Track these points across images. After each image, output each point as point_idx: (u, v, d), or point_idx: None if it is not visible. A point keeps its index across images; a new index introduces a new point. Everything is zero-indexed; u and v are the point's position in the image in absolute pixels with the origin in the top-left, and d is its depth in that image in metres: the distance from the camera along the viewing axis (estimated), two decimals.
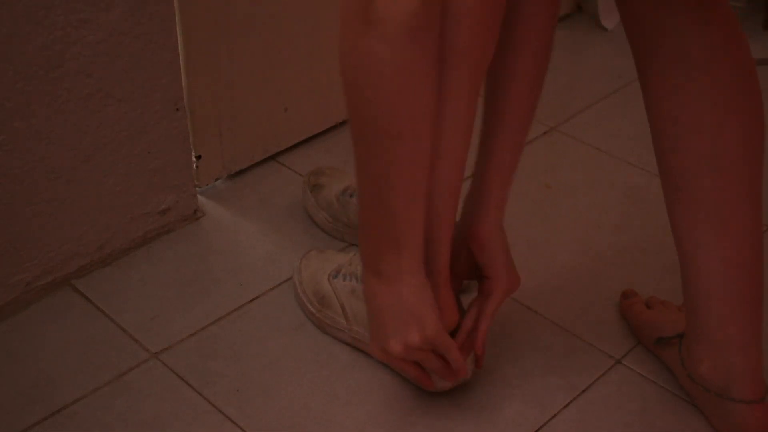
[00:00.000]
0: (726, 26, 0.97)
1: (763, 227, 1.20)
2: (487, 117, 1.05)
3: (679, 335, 1.13)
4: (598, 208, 1.46)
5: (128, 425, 1.11)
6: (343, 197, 1.34)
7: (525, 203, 1.46)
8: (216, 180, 1.48)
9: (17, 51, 1.13)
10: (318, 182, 1.39)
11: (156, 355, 1.20)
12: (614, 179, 1.52)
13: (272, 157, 1.54)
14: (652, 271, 1.33)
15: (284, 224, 1.41)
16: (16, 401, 1.13)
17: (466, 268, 1.10)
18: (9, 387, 1.15)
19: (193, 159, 1.41)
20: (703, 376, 1.07)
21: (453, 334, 1.08)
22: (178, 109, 1.32)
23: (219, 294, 1.29)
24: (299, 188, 1.47)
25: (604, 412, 1.13)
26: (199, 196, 1.44)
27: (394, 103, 0.90)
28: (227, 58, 1.39)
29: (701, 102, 0.98)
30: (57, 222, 1.25)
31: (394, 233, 0.97)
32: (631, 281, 1.31)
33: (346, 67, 0.91)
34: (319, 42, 1.50)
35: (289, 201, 1.46)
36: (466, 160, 1.01)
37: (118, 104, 1.25)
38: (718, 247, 1.02)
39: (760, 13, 1.94)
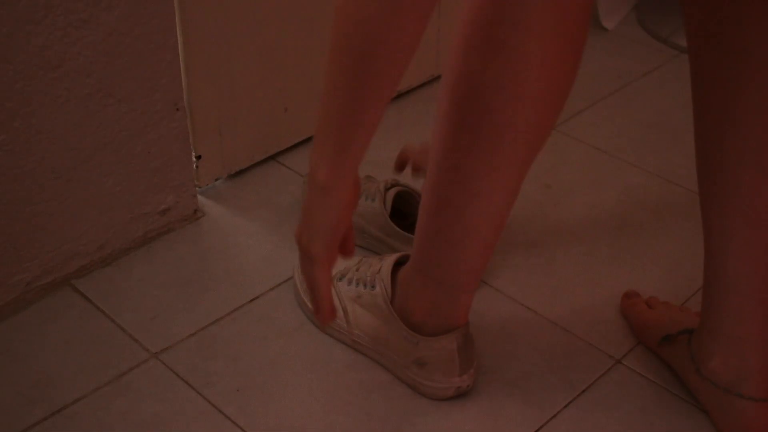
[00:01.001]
0: None
1: None
2: None
3: (687, 331, 1.12)
4: (598, 208, 1.46)
5: (128, 425, 1.11)
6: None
7: (525, 203, 1.46)
8: (216, 180, 1.48)
9: (17, 51, 1.13)
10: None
11: (156, 355, 1.20)
12: (614, 179, 1.52)
13: (272, 157, 1.54)
14: (652, 272, 1.33)
15: (284, 224, 1.41)
16: (16, 401, 1.13)
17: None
18: (9, 387, 1.15)
19: (193, 159, 1.41)
20: (714, 371, 1.07)
21: None
22: (178, 109, 1.32)
23: (219, 294, 1.29)
24: (299, 188, 1.47)
25: (604, 412, 1.13)
26: (199, 196, 1.44)
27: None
28: (227, 58, 1.39)
29: (756, 98, 0.96)
30: (57, 222, 1.25)
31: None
32: (631, 281, 1.31)
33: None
34: (319, 42, 1.50)
35: (289, 201, 1.46)
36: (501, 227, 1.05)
37: (118, 104, 1.25)
38: (749, 244, 1.01)
39: None
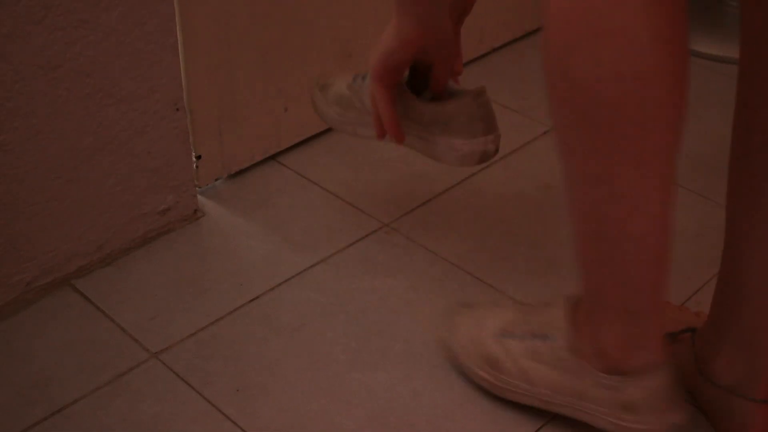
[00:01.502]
0: None
1: None
2: None
3: (689, 330, 1.11)
4: None
5: (128, 425, 1.11)
6: (354, 83, 1.26)
7: (525, 203, 1.46)
8: (216, 180, 1.48)
9: (17, 51, 1.13)
10: (326, 82, 1.33)
11: (156, 355, 1.20)
12: None
13: (272, 157, 1.54)
14: None
15: (284, 224, 1.41)
16: (16, 401, 1.13)
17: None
18: (9, 387, 1.15)
19: (193, 159, 1.41)
20: (717, 371, 1.06)
21: None
22: (178, 109, 1.32)
23: (219, 294, 1.29)
24: (299, 188, 1.48)
25: None
26: (199, 196, 1.44)
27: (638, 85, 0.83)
28: (228, 58, 1.39)
29: None
30: (57, 222, 1.25)
31: None
32: None
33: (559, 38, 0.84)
34: (320, 42, 1.51)
35: (289, 201, 1.46)
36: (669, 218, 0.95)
37: (118, 104, 1.25)
38: None
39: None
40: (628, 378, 1.00)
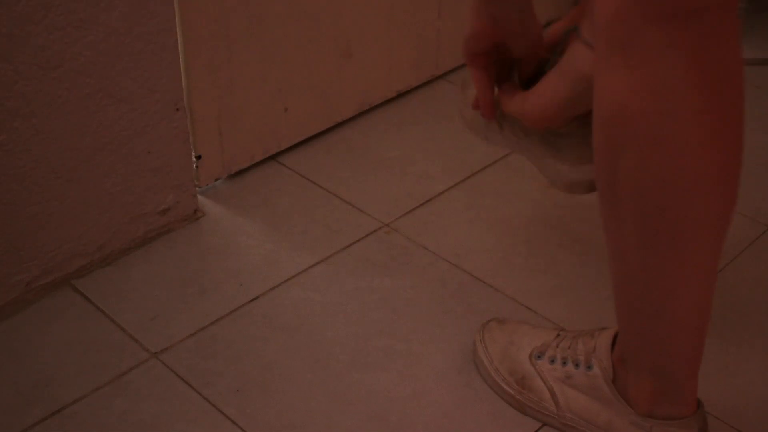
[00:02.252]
0: None
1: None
2: None
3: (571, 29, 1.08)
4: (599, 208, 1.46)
5: (128, 425, 1.11)
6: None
7: (525, 203, 1.46)
8: (216, 180, 1.48)
9: (17, 51, 1.13)
10: (468, 79, 1.24)
11: (156, 355, 1.20)
12: None
13: (272, 157, 1.54)
14: None
15: (284, 224, 1.41)
16: (16, 401, 1.13)
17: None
18: (9, 387, 1.15)
19: (193, 159, 1.41)
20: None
21: None
22: (178, 109, 1.32)
23: (219, 294, 1.29)
24: (299, 188, 1.48)
25: None
26: (199, 196, 1.44)
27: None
28: (228, 58, 1.39)
29: None
30: (57, 222, 1.25)
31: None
32: None
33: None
34: (320, 42, 1.51)
35: (289, 201, 1.46)
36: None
37: (118, 104, 1.25)
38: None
39: (760, 13, 1.94)
40: (660, 422, 1.01)
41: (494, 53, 1.09)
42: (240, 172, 1.51)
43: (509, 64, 1.13)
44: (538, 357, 1.11)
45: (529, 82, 1.12)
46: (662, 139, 0.81)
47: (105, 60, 1.21)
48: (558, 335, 1.12)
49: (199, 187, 1.45)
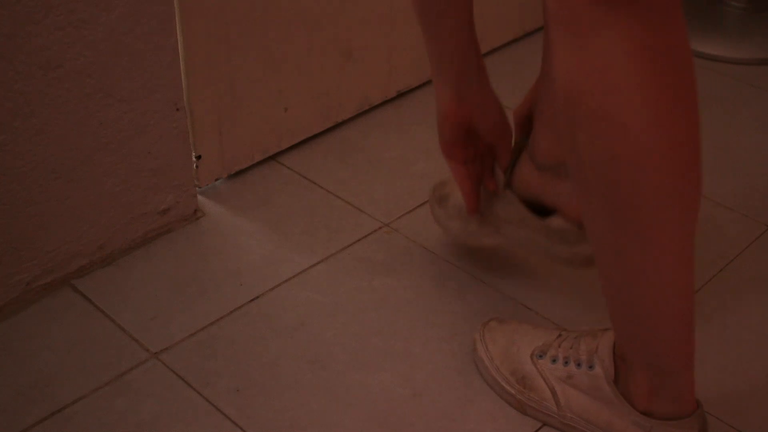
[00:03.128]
0: None
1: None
2: None
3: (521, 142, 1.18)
4: None
5: (128, 425, 1.11)
6: None
7: None
8: (216, 180, 1.48)
9: (17, 51, 1.13)
10: (443, 193, 1.32)
11: (156, 355, 1.20)
12: None
13: (272, 157, 1.54)
14: None
15: (284, 224, 1.41)
16: (16, 401, 1.13)
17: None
18: (9, 387, 1.15)
19: (193, 159, 1.41)
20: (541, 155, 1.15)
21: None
22: (178, 109, 1.32)
23: (219, 294, 1.29)
24: (299, 188, 1.47)
25: None
26: (199, 196, 1.44)
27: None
28: (228, 58, 1.39)
29: None
30: (57, 222, 1.25)
31: None
32: None
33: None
34: (319, 42, 1.51)
35: (289, 201, 1.46)
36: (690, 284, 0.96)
37: (118, 104, 1.25)
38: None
39: (760, 13, 1.94)
40: (660, 422, 1.01)
41: (470, 146, 1.19)
42: (240, 172, 1.51)
43: (490, 165, 1.22)
44: (540, 356, 1.11)
45: (509, 169, 1.20)
46: (609, 114, 0.83)
47: (105, 60, 1.21)
48: (560, 335, 1.12)
49: (199, 187, 1.45)
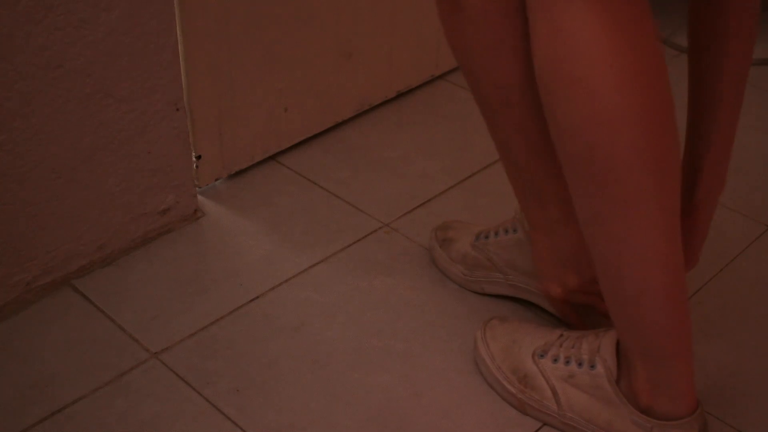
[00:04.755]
0: None
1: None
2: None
3: None
4: None
5: (128, 425, 1.11)
6: (477, 242, 1.27)
7: None
8: (216, 180, 1.48)
9: (17, 51, 1.13)
10: (447, 236, 1.32)
11: (156, 355, 1.20)
12: None
13: (272, 157, 1.54)
14: None
15: (284, 224, 1.41)
16: (16, 401, 1.13)
17: None
18: (9, 387, 1.15)
19: (193, 159, 1.41)
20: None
21: None
22: (178, 109, 1.32)
23: (219, 294, 1.29)
24: (299, 188, 1.47)
25: None
26: (199, 196, 1.44)
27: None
28: (228, 58, 1.39)
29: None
30: (57, 222, 1.25)
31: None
32: None
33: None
34: (320, 42, 1.51)
35: (289, 201, 1.46)
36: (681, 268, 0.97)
37: (118, 104, 1.25)
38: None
39: (760, 13, 1.94)
40: (661, 423, 1.02)
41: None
42: (240, 172, 1.51)
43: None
44: (541, 356, 1.11)
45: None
46: (582, 79, 0.88)
47: (105, 60, 1.21)
48: (561, 335, 1.12)
49: (199, 187, 1.45)
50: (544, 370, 1.10)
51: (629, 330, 1.00)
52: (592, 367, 1.06)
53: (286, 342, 1.22)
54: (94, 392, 1.15)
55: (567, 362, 1.08)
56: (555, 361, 1.09)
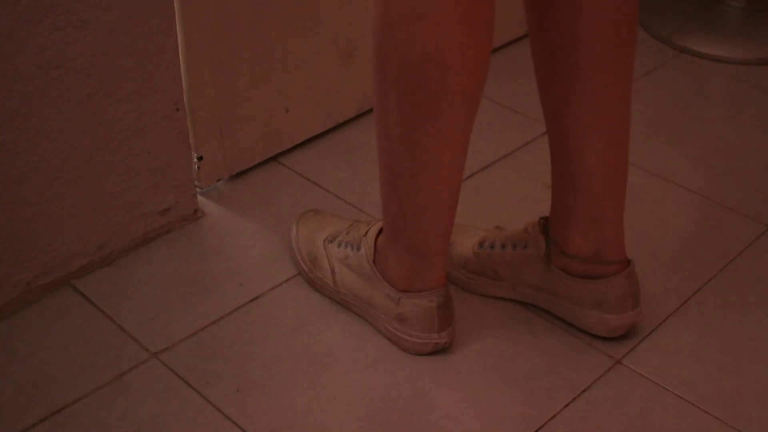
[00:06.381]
0: None
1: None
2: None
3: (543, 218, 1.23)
4: None
5: (128, 425, 1.11)
6: (481, 250, 1.27)
7: (525, 203, 1.46)
8: (218, 181, 1.48)
9: (17, 51, 1.13)
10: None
11: (156, 355, 1.20)
12: None
13: (273, 158, 1.54)
14: (652, 271, 1.33)
15: (284, 224, 1.41)
16: (16, 401, 1.13)
17: None
18: (9, 387, 1.15)
19: (195, 160, 1.41)
20: (578, 248, 1.18)
21: None
22: (178, 109, 1.32)
23: (219, 294, 1.29)
24: (299, 188, 1.47)
25: (604, 412, 1.13)
26: (199, 197, 1.44)
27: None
28: (228, 58, 1.40)
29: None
30: (57, 222, 1.25)
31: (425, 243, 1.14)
32: None
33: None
34: (320, 42, 1.51)
35: (289, 201, 1.46)
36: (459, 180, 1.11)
37: (118, 104, 1.25)
38: (599, 137, 1.14)
39: (760, 13, 1.94)
40: (406, 294, 1.17)
41: None
42: (241, 173, 1.51)
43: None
44: (330, 241, 1.27)
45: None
46: (425, 16, 0.96)
47: (105, 60, 1.21)
48: (351, 225, 1.27)
49: (201, 188, 1.45)
50: (329, 253, 1.26)
51: (404, 232, 1.14)
52: (358, 249, 1.22)
53: (286, 342, 1.22)
54: (94, 392, 1.15)
55: (345, 246, 1.24)
56: (339, 246, 1.25)
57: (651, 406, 1.14)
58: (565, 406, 1.14)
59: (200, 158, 1.42)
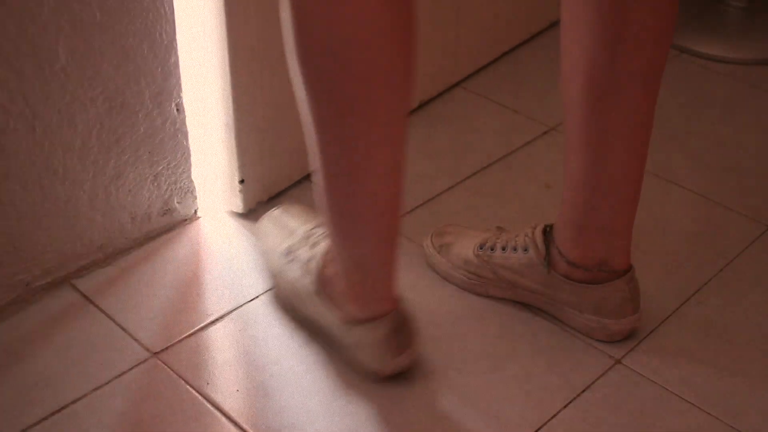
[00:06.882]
0: None
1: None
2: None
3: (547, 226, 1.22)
4: None
5: (128, 425, 1.11)
6: (482, 252, 1.27)
7: (525, 203, 1.46)
8: (257, 203, 1.44)
9: (17, 51, 1.13)
10: (443, 242, 1.32)
11: (156, 355, 1.20)
12: None
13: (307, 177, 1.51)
14: (652, 271, 1.33)
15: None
16: (16, 401, 1.13)
17: None
18: (9, 387, 1.15)
19: (237, 183, 1.39)
20: (584, 258, 1.18)
21: None
22: (178, 110, 1.32)
23: (219, 294, 1.29)
24: (300, 188, 1.47)
25: (604, 412, 1.13)
26: (199, 197, 1.44)
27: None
28: (269, 80, 1.35)
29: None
30: (57, 222, 1.25)
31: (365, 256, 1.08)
32: None
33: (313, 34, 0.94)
34: None
35: (289, 201, 1.45)
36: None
37: (120, 106, 1.25)
38: (628, 152, 1.13)
39: (760, 13, 1.94)
40: (354, 326, 1.13)
41: None
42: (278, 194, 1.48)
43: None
44: (289, 254, 1.23)
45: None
46: (345, 1, 0.91)
47: (104, 60, 1.21)
48: (311, 230, 1.23)
49: (241, 213, 1.42)
50: (291, 265, 1.21)
51: (344, 242, 1.07)
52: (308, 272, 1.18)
53: (286, 342, 1.22)
54: (94, 392, 1.15)
55: (302, 262, 1.20)
56: (297, 261, 1.21)
57: (651, 406, 1.14)
58: (565, 406, 1.14)
59: (242, 181, 1.40)
